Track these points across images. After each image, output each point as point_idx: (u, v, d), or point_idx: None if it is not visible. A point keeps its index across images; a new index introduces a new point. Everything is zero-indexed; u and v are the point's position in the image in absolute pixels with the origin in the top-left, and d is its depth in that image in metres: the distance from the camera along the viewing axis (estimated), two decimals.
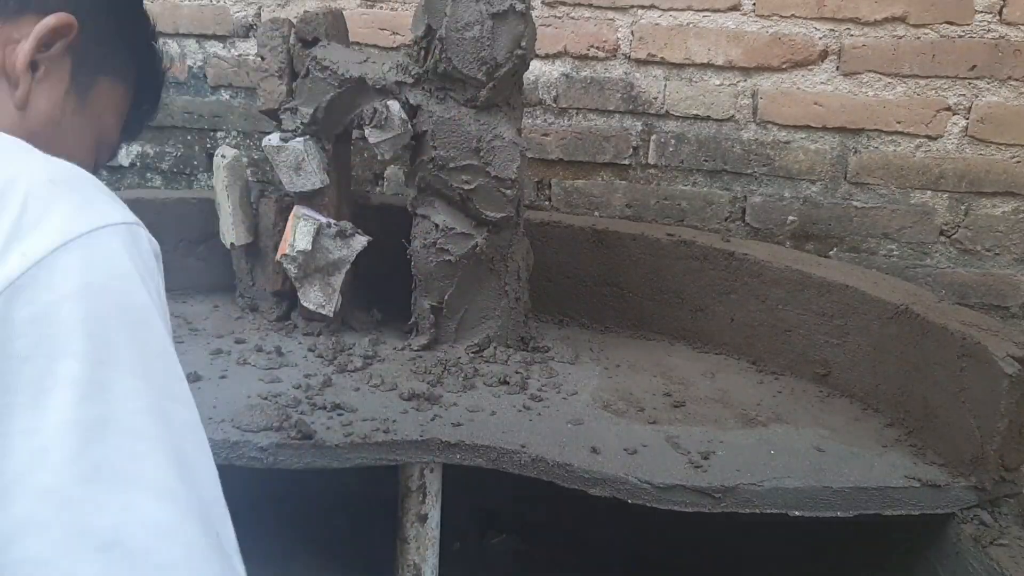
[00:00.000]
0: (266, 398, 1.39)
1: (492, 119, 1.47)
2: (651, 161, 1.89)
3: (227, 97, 2.11)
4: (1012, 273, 1.77)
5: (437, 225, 1.52)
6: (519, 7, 1.41)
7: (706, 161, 1.86)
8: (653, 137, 1.87)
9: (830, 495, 1.20)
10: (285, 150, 1.53)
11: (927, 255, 1.80)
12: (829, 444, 1.31)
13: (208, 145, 2.14)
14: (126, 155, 2.20)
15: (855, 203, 1.81)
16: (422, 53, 1.46)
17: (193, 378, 1.43)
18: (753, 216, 1.86)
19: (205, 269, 1.82)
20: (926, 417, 1.30)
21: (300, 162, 1.53)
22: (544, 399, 1.44)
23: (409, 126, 1.47)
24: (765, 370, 1.56)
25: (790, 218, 1.84)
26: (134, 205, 1.68)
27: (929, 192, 1.77)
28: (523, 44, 1.42)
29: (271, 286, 1.68)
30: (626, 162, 1.90)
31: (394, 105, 1.47)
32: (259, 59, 1.61)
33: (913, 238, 1.80)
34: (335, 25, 1.62)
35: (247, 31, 2.05)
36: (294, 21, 1.61)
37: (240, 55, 2.07)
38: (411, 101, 1.47)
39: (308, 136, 1.54)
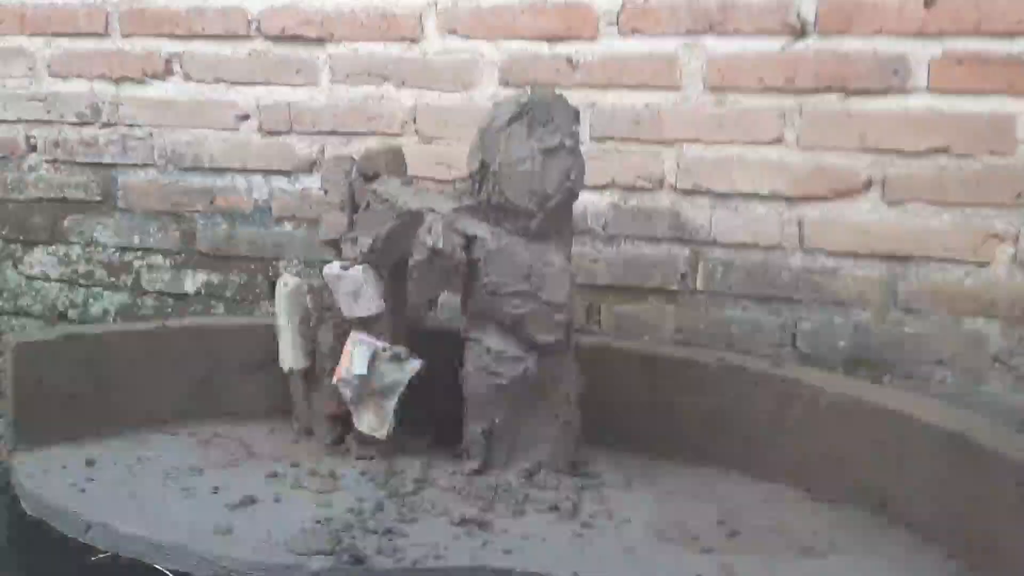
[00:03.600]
0: (319, 522, 1.40)
1: (542, 247, 1.52)
2: (699, 287, 1.92)
3: (289, 228, 2.21)
4: None
5: (489, 349, 1.55)
6: (568, 143, 1.48)
7: (754, 287, 1.88)
8: (701, 264, 1.91)
9: None
10: (345, 278, 1.59)
11: (982, 382, 1.77)
12: None
13: (270, 273, 2.23)
14: (192, 283, 2.29)
15: (906, 329, 1.80)
16: (476, 186, 1.53)
17: (248, 501, 1.46)
18: (804, 342, 1.86)
19: (264, 394, 1.86)
20: (988, 549, 1.26)
21: (359, 289, 1.59)
22: (595, 526, 1.43)
23: (462, 254, 1.53)
24: (821, 499, 1.53)
25: (841, 344, 1.84)
26: (199, 332, 1.76)
27: (981, 319, 1.76)
28: (572, 177, 1.49)
29: (327, 410, 1.72)
30: (674, 288, 1.93)
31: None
32: (322, 192, 1.70)
33: (967, 364, 1.78)
34: (395, 161, 1.71)
35: (311, 167, 2.16)
36: (356, 158, 1.71)
37: (304, 189, 2.18)
38: (467, 231, 1.53)
39: (367, 264, 1.60)
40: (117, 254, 2.37)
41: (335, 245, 1.67)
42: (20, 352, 1.62)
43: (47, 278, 2.45)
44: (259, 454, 1.67)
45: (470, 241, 1.54)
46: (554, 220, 1.52)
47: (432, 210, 1.55)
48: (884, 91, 1.76)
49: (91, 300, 2.41)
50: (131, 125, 2.29)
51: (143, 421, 1.78)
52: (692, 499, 1.54)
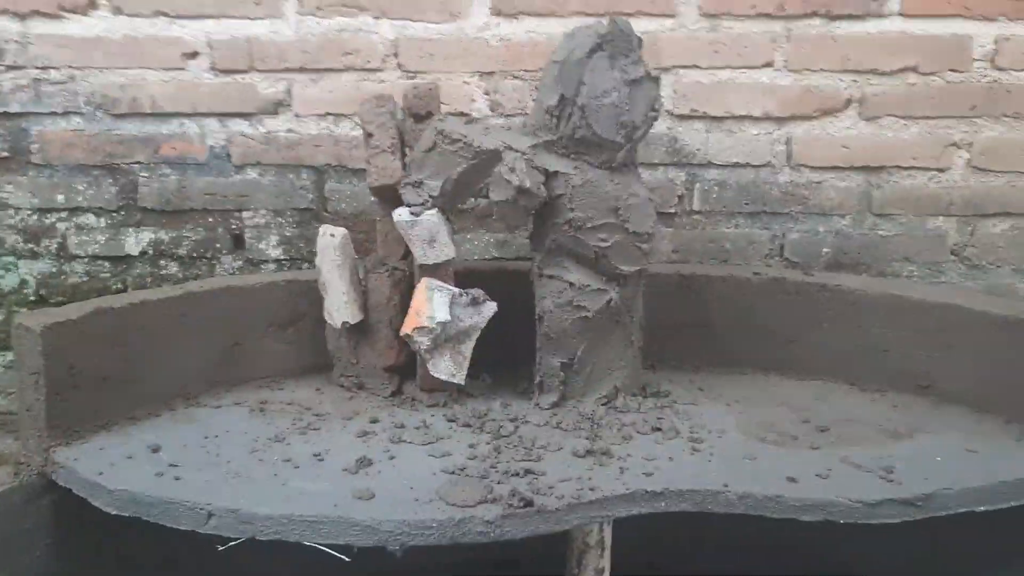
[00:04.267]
0: (454, 472, 1.38)
1: (625, 178, 1.55)
2: (696, 207, 2.02)
3: (254, 175, 2.04)
4: (1012, 282, 2.03)
5: (572, 283, 1.57)
6: (654, 73, 1.50)
7: (747, 204, 2.01)
8: (697, 185, 2.01)
9: (1007, 488, 1.36)
10: (419, 224, 1.53)
11: (942, 273, 2.03)
12: (976, 444, 1.47)
13: (233, 226, 2.06)
14: (135, 243, 2.07)
15: (880, 232, 2.02)
16: (555, 121, 1.52)
17: (365, 462, 1.40)
18: (791, 251, 2.03)
19: (294, 352, 1.75)
20: None
21: (434, 235, 1.53)
22: (703, 439, 1.51)
23: (544, 191, 1.52)
24: (868, 389, 1.71)
25: (824, 250, 2.02)
26: (224, 294, 1.63)
27: (941, 218, 2.01)
28: (656, 107, 1.52)
29: (384, 362, 1.66)
30: (672, 210, 2.02)
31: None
32: (366, 136, 1.60)
33: (929, 259, 2.03)
34: (437, 99, 1.64)
35: (276, 107, 2.00)
36: (394, 97, 1.62)
37: (269, 132, 2.02)
38: (547, 167, 1.52)
39: (437, 209, 1.55)
40: (35, 216, 2.07)
41: (387, 191, 1.59)
42: (48, 336, 1.42)
43: None
44: (327, 415, 1.59)
45: (549, 177, 1.53)
46: (635, 151, 1.55)
47: (510, 148, 1.52)
48: (863, 15, 1.92)
49: (1, 272, 2.10)
50: (45, 67, 2.00)
51: (173, 397, 1.63)
52: (759, 404, 1.66)
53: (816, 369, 1.77)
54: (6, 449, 2.05)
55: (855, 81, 1.95)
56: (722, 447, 1.48)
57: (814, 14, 1.92)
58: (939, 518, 1.32)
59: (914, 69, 1.93)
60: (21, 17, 1.97)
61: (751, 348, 1.81)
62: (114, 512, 1.33)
